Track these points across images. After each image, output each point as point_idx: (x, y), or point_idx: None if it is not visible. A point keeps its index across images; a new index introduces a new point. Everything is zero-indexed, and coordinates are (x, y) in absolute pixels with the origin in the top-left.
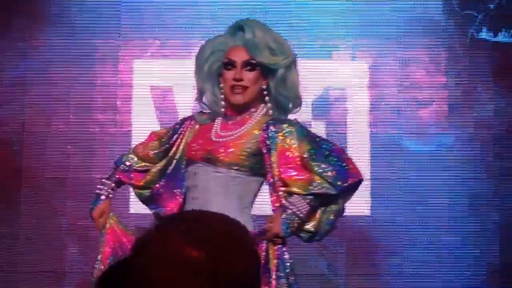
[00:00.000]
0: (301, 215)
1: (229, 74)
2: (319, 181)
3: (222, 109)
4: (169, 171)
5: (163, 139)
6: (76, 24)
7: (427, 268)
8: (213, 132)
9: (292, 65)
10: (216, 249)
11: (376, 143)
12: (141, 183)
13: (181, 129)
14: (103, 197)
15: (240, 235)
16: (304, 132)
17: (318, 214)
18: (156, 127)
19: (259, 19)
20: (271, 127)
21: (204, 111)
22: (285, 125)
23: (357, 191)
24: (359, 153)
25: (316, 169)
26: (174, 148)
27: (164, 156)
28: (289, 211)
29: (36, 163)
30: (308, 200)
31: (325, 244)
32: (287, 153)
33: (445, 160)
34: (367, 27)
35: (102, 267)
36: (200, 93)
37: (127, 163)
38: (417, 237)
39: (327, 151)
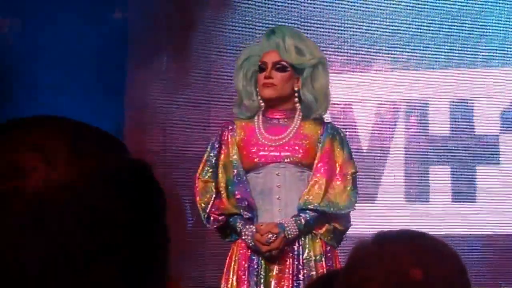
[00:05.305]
0: (289, 236)
1: (262, 75)
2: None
3: (257, 107)
4: (235, 180)
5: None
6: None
7: None
8: (260, 136)
9: (319, 65)
10: (436, 272)
11: None
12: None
13: (221, 140)
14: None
15: (455, 257)
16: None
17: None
18: None
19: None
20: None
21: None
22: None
23: None
24: None
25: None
26: (222, 159)
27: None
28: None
29: None
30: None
31: None
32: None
33: None
34: None
35: None
36: (240, 98)
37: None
38: None
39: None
